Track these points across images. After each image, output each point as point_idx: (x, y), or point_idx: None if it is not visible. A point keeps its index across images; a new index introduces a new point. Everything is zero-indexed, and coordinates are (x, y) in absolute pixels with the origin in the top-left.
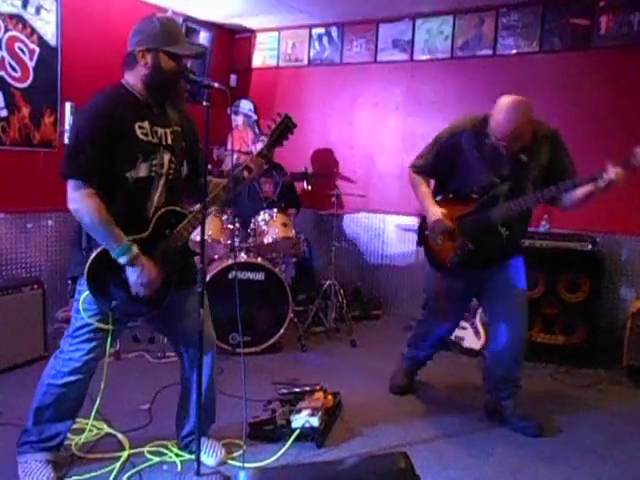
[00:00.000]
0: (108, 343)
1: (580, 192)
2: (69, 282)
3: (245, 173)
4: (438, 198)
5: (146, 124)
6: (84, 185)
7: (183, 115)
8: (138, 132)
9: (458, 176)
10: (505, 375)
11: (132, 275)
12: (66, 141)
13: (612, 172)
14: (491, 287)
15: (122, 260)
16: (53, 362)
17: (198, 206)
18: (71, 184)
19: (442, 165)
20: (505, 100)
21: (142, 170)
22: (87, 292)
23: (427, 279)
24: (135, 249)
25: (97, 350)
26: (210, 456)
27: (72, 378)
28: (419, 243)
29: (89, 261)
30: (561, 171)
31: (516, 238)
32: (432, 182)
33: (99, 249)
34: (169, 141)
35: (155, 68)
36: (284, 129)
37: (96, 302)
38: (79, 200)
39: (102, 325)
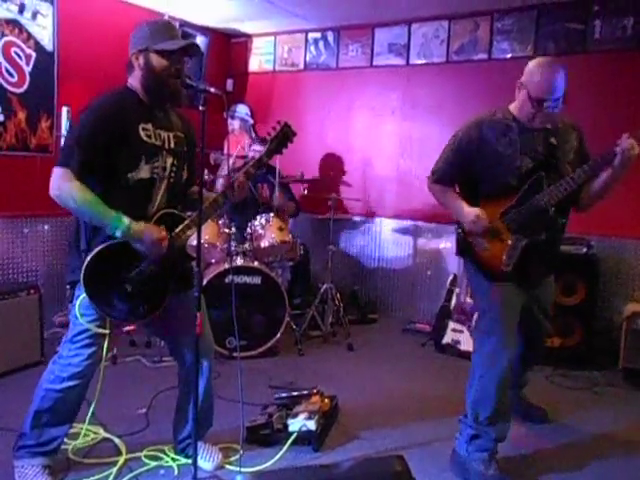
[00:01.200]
0: (105, 347)
1: (600, 180)
2: (67, 287)
3: (229, 193)
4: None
5: (150, 126)
6: (67, 174)
7: (184, 121)
8: (142, 134)
9: (489, 171)
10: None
11: (138, 240)
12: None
13: (629, 143)
14: (531, 304)
15: (118, 233)
16: (52, 367)
17: (195, 212)
18: (58, 172)
19: (466, 167)
20: (541, 59)
21: (144, 171)
22: (83, 296)
23: (480, 298)
24: (126, 219)
25: (96, 355)
26: (207, 460)
27: (71, 383)
28: (461, 253)
29: (84, 268)
30: (588, 158)
31: (563, 232)
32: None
33: (91, 254)
34: (172, 145)
35: (148, 68)
36: (283, 138)
37: (95, 307)
38: (60, 186)
39: (100, 330)
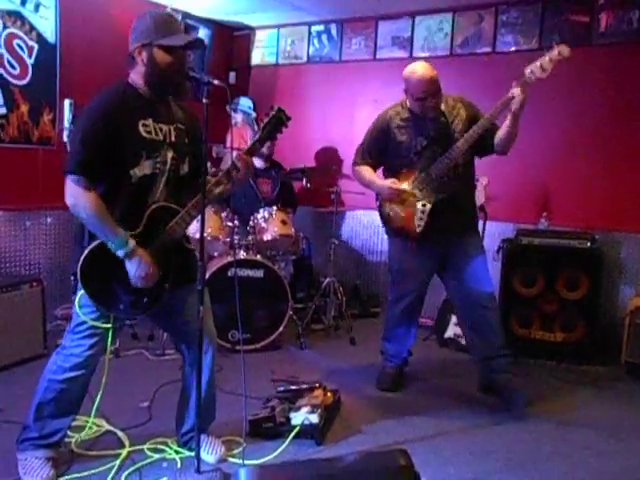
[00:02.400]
0: (109, 341)
1: (502, 131)
2: (72, 278)
3: (234, 173)
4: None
5: (150, 121)
6: (82, 181)
7: (187, 113)
8: (142, 130)
9: (395, 153)
10: (487, 346)
11: (131, 268)
12: (67, 138)
13: (517, 91)
14: (455, 258)
15: (120, 253)
16: (54, 358)
17: (190, 202)
18: (70, 179)
19: (379, 150)
20: (412, 64)
21: (146, 167)
22: (82, 292)
23: (393, 255)
24: (132, 242)
25: (98, 346)
26: (210, 453)
27: (73, 374)
28: (383, 220)
29: (80, 264)
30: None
31: (467, 198)
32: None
33: (87, 250)
34: (173, 138)
35: (151, 64)
36: (276, 123)
37: (93, 302)
38: (76, 195)
39: (99, 324)
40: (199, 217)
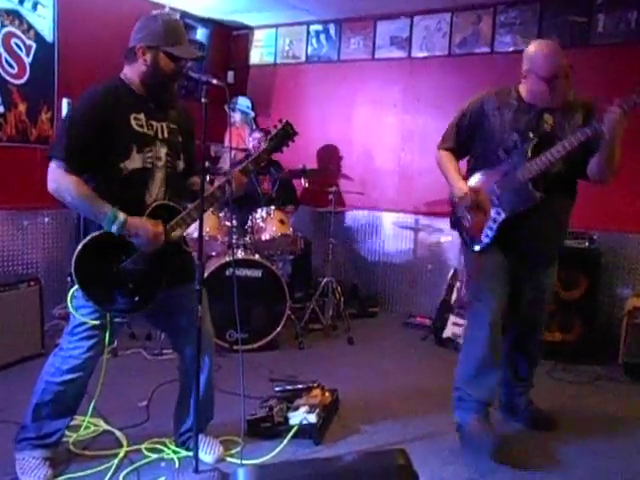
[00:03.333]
0: (106, 339)
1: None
2: (68, 278)
3: (226, 187)
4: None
5: (142, 116)
6: (64, 166)
7: (181, 112)
8: (133, 123)
9: (482, 142)
10: (526, 373)
11: (135, 239)
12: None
13: (613, 115)
14: (526, 284)
15: (114, 229)
16: (52, 359)
17: (191, 205)
18: (52, 165)
19: (469, 135)
20: (535, 43)
21: (136, 161)
22: (75, 288)
23: (468, 266)
24: (121, 214)
25: (96, 347)
26: (208, 453)
27: (71, 376)
28: (453, 226)
29: (74, 258)
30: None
31: (558, 221)
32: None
33: (81, 244)
34: (165, 135)
35: (154, 67)
36: (283, 135)
37: (87, 298)
38: (57, 179)
39: (96, 323)
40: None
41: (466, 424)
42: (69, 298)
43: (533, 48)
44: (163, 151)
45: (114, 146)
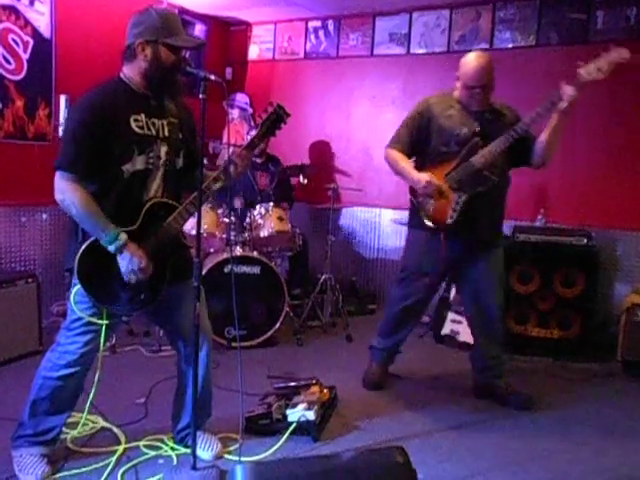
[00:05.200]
0: (102, 337)
1: (545, 133)
2: (66, 274)
3: (231, 168)
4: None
5: (142, 116)
6: (71, 178)
7: (180, 107)
8: (133, 125)
9: (435, 139)
10: (495, 354)
11: (122, 262)
12: (61, 134)
13: (568, 89)
14: (474, 268)
15: (111, 248)
16: (49, 355)
17: (188, 199)
18: (58, 175)
19: (418, 137)
20: (471, 54)
21: (138, 163)
22: (78, 286)
23: (412, 248)
24: (123, 236)
25: (93, 343)
26: (206, 450)
27: (68, 371)
28: (411, 222)
29: (77, 258)
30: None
31: (501, 198)
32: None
33: (85, 245)
34: (166, 133)
35: (155, 61)
36: (276, 119)
37: (89, 297)
38: (65, 191)
39: (95, 320)
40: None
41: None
42: (72, 296)
43: (465, 59)
44: (163, 150)
45: (116, 151)
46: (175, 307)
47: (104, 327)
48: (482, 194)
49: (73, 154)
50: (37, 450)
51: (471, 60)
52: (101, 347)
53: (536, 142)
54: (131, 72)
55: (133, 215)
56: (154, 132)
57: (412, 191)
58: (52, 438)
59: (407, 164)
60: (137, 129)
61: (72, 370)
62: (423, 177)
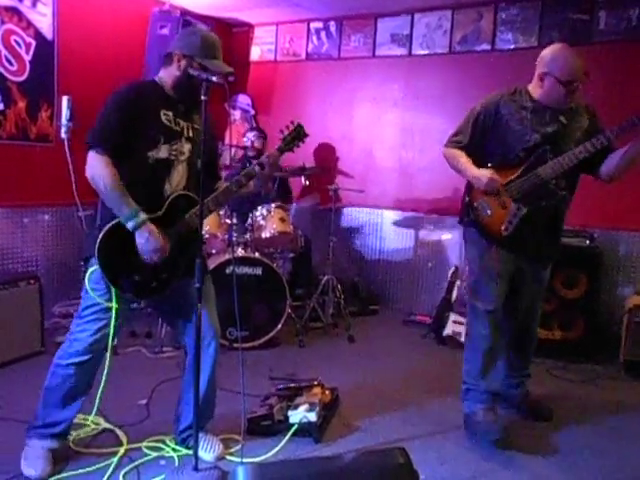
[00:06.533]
0: (112, 324)
1: (618, 155)
2: (82, 263)
3: (257, 168)
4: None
5: (171, 113)
6: (103, 153)
7: (207, 117)
8: (162, 117)
9: (500, 143)
10: (524, 365)
11: (140, 239)
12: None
13: None
14: (524, 283)
15: (130, 224)
16: (63, 345)
17: (212, 195)
18: (93, 152)
19: (481, 137)
20: (555, 47)
21: (163, 151)
22: (94, 268)
23: (472, 263)
24: (143, 215)
25: (103, 331)
26: (208, 451)
27: (78, 359)
28: (463, 219)
29: (100, 236)
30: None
31: (563, 215)
32: None
33: (107, 227)
34: (190, 134)
35: (187, 74)
36: (295, 136)
37: (105, 277)
38: (96, 166)
39: (109, 304)
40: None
41: (473, 413)
42: (87, 278)
43: (554, 52)
44: (187, 147)
45: (144, 136)
46: (185, 302)
47: (113, 312)
48: (545, 210)
49: (108, 132)
50: (46, 444)
51: (563, 52)
52: (111, 334)
53: (612, 154)
54: (165, 76)
55: (157, 203)
56: (179, 129)
57: (470, 192)
58: (60, 432)
59: (467, 160)
60: (165, 121)
61: (82, 358)
62: (485, 173)
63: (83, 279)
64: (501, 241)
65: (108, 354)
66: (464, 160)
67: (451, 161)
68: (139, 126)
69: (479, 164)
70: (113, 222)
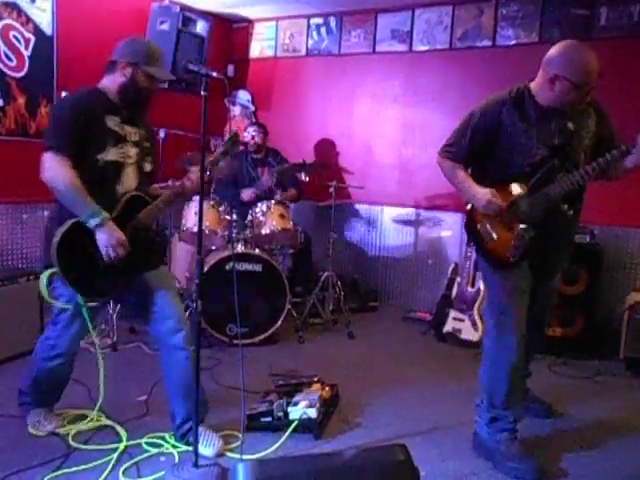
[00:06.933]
0: (87, 321)
1: (628, 164)
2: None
3: (187, 183)
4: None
5: (117, 118)
6: (62, 154)
7: (146, 126)
8: (108, 122)
9: (503, 158)
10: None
11: (103, 235)
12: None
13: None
14: (539, 288)
15: (92, 222)
16: (39, 347)
17: (160, 198)
18: (50, 153)
19: (480, 148)
20: (568, 45)
21: (111, 154)
22: (49, 272)
23: (489, 285)
24: (105, 213)
25: (80, 333)
26: (207, 447)
27: (57, 361)
28: (470, 242)
29: (57, 241)
30: (612, 138)
31: (577, 220)
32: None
33: (65, 227)
34: (136, 138)
35: (132, 82)
36: (232, 145)
37: (66, 281)
38: (54, 168)
39: (67, 306)
40: (197, 210)
41: (498, 443)
42: (43, 284)
43: (567, 52)
44: (133, 151)
45: (93, 140)
46: (150, 294)
47: (86, 313)
48: (554, 231)
49: (64, 136)
50: (42, 409)
51: (579, 53)
52: (94, 336)
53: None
54: (109, 83)
55: (111, 204)
56: (125, 134)
57: (470, 211)
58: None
59: (465, 175)
60: (112, 126)
61: (61, 360)
62: (485, 193)
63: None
64: (510, 266)
65: (98, 352)
66: (461, 175)
67: (447, 173)
68: (88, 130)
69: (479, 179)
70: (66, 226)
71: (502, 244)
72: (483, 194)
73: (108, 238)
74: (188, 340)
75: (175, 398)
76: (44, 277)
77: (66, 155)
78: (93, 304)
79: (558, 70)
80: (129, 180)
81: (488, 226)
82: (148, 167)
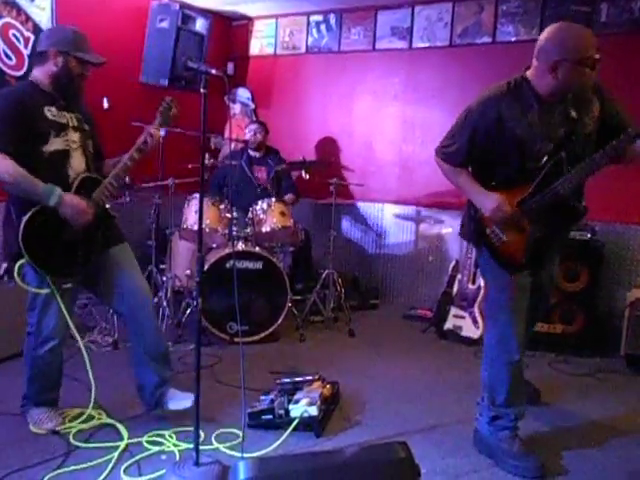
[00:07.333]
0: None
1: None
2: (4, 265)
3: (148, 139)
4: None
5: (53, 109)
6: (3, 154)
7: (83, 108)
8: (47, 114)
9: (505, 155)
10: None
11: (66, 211)
12: None
13: None
14: (540, 276)
15: (52, 201)
16: (26, 340)
17: (111, 174)
18: None
19: (480, 151)
20: (559, 26)
21: (56, 144)
22: (21, 262)
23: (492, 284)
24: (58, 189)
25: (59, 315)
26: (176, 401)
27: (45, 348)
28: (478, 244)
29: (21, 232)
30: (618, 120)
31: (575, 212)
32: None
33: (25, 218)
34: (75, 123)
35: (64, 69)
36: (168, 109)
37: (33, 265)
38: None
39: (41, 290)
40: (197, 208)
41: (499, 441)
42: (16, 273)
43: (557, 35)
44: (76, 136)
45: (34, 133)
46: (111, 272)
47: (58, 295)
48: (559, 227)
49: (3, 134)
50: (43, 408)
51: (567, 30)
52: (67, 315)
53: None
54: (40, 74)
55: (65, 189)
56: (65, 121)
57: (479, 216)
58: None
59: (469, 179)
60: (50, 116)
61: (53, 343)
62: (493, 198)
63: (9, 278)
64: (521, 268)
65: (81, 343)
66: (464, 177)
67: (448, 175)
68: (28, 125)
69: (481, 179)
70: (26, 217)
71: (513, 247)
72: (490, 200)
73: (72, 210)
74: (152, 309)
75: (145, 367)
76: (16, 268)
77: (6, 150)
78: (65, 286)
79: (556, 55)
80: (78, 163)
81: (497, 230)
82: (91, 149)
